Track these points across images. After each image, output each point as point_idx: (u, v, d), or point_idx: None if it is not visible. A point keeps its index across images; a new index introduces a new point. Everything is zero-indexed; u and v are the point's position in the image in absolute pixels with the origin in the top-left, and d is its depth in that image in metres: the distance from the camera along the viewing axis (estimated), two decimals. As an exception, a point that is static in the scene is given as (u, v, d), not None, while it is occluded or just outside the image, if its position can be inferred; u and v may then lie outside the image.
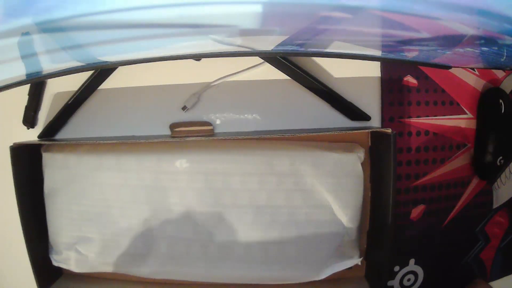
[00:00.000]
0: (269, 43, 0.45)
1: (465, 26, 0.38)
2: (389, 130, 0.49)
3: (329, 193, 0.53)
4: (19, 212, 0.52)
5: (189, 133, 0.57)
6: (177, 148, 0.54)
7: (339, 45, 0.46)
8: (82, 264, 0.56)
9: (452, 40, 0.42)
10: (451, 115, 0.59)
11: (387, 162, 0.50)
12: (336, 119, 0.57)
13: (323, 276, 0.54)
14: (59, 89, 0.58)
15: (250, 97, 0.57)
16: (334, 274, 0.54)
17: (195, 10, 0.36)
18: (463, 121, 0.59)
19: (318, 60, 0.57)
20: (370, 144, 0.56)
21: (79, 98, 0.57)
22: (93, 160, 0.54)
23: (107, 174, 0.54)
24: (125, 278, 0.57)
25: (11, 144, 0.51)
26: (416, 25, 0.39)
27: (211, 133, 0.57)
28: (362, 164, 0.54)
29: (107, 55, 0.46)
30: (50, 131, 0.58)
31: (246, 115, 0.58)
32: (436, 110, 0.59)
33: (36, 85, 0.57)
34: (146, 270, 0.55)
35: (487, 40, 0.41)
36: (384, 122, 0.58)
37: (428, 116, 0.59)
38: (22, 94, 0.57)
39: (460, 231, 0.61)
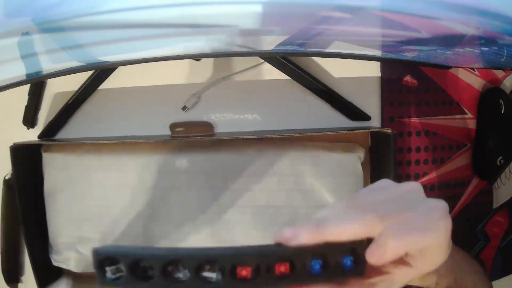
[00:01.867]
0: (269, 43, 0.45)
1: (465, 26, 0.38)
2: (389, 130, 0.49)
3: (329, 193, 0.53)
4: (19, 212, 0.52)
5: (189, 133, 0.57)
6: (177, 148, 0.54)
7: (339, 45, 0.46)
8: (82, 264, 0.56)
9: (452, 40, 0.42)
10: (451, 115, 0.59)
11: (387, 162, 0.50)
12: (336, 119, 0.57)
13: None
14: (59, 89, 0.58)
15: (250, 97, 0.57)
16: (334, 274, 0.54)
17: (195, 10, 0.36)
18: (463, 121, 0.59)
19: (318, 60, 0.57)
20: (370, 144, 0.56)
21: (79, 98, 0.57)
22: (93, 160, 0.54)
23: (107, 174, 0.54)
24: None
25: (11, 144, 0.51)
26: (416, 25, 0.39)
27: (211, 133, 0.57)
28: (362, 164, 0.54)
29: (107, 55, 0.46)
30: (50, 131, 0.58)
31: (246, 115, 0.58)
32: (436, 110, 0.59)
33: (36, 85, 0.57)
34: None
35: (487, 40, 0.41)
36: (384, 122, 0.58)
37: (428, 116, 0.58)
38: (22, 94, 0.57)
39: (460, 231, 0.61)
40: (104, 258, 0.24)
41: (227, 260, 0.24)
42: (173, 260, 0.24)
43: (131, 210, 0.54)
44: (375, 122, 0.58)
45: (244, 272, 0.24)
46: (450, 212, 0.26)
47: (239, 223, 0.53)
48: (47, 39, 0.39)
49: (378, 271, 0.27)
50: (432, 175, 0.59)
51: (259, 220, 0.53)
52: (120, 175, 0.54)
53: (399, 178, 0.58)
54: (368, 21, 0.40)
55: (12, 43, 0.38)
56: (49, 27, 0.37)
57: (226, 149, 0.54)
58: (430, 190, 0.59)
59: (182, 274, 0.24)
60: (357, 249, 0.25)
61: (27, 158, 0.54)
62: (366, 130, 0.55)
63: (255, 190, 0.53)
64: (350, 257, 0.25)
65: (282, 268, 0.24)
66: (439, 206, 0.25)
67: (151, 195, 0.54)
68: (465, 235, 0.62)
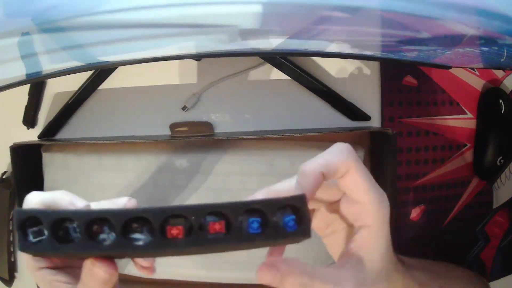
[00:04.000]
0: (269, 43, 0.45)
1: (465, 26, 0.38)
2: (389, 130, 0.49)
3: (329, 193, 0.53)
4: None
5: (189, 133, 0.57)
6: (177, 148, 0.54)
7: (339, 45, 0.47)
8: (82, 264, 0.56)
9: (452, 40, 0.42)
10: (451, 115, 0.59)
11: (387, 162, 0.50)
12: (336, 119, 0.57)
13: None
14: (59, 89, 0.58)
15: (250, 97, 0.57)
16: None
17: (195, 10, 0.36)
18: (463, 121, 0.59)
19: (318, 60, 0.57)
20: (370, 144, 0.56)
21: (79, 98, 0.57)
22: (93, 160, 0.54)
23: (107, 174, 0.54)
24: (125, 278, 0.57)
25: (11, 144, 0.51)
26: (416, 25, 0.39)
27: (211, 133, 0.57)
28: (362, 164, 0.54)
29: (107, 55, 0.46)
30: (50, 131, 0.58)
31: (246, 115, 0.58)
32: (436, 110, 0.59)
33: (36, 85, 0.57)
34: (146, 270, 0.55)
35: (487, 40, 0.41)
36: (384, 122, 0.58)
37: (428, 116, 0.59)
38: (22, 94, 0.57)
39: (460, 231, 0.61)
40: (25, 219, 0.23)
41: (155, 217, 0.22)
42: (96, 218, 0.22)
43: (131, 210, 0.54)
44: (375, 122, 0.58)
45: (175, 231, 0.22)
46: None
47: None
48: (47, 39, 0.39)
49: (343, 254, 0.27)
50: (432, 175, 0.59)
51: (259, 220, 0.53)
52: (120, 175, 0.54)
53: (399, 178, 0.58)
54: (368, 21, 0.40)
55: (12, 43, 0.38)
56: (49, 27, 0.37)
57: (226, 149, 0.54)
58: (430, 190, 0.59)
59: (108, 236, 0.22)
60: (298, 207, 0.24)
61: (27, 158, 0.54)
62: (366, 130, 0.55)
63: (255, 190, 0.53)
64: (292, 216, 0.23)
65: (217, 226, 0.23)
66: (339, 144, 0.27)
67: (150, 195, 0.54)
68: (465, 235, 0.62)
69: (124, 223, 0.22)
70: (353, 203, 0.27)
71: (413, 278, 0.30)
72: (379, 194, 0.27)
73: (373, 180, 0.27)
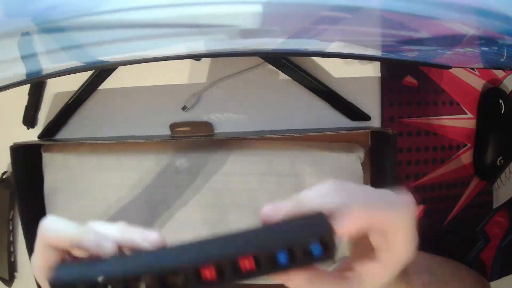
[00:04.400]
0: (269, 43, 0.46)
1: (465, 26, 0.38)
2: (389, 130, 0.49)
3: (329, 193, 0.53)
4: (19, 213, 0.52)
5: (189, 133, 0.57)
6: (177, 148, 0.54)
7: (339, 45, 0.47)
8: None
9: (452, 40, 0.42)
10: (451, 115, 0.59)
11: (387, 162, 0.50)
12: (336, 119, 0.57)
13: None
14: (59, 89, 0.58)
15: (250, 97, 0.57)
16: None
17: (195, 10, 0.36)
18: (463, 121, 0.59)
19: (318, 60, 0.57)
20: (370, 144, 0.56)
21: (79, 98, 0.57)
22: (93, 160, 0.54)
23: (107, 174, 0.54)
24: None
25: (11, 144, 0.51)
26: (416, 25, 0.39)
27: (211, 133, 0.57)
28: (362, 164, 0.54)
29: (107, 55, 0.46)
30: (50, 131, 0.58)
31: (246, 115, 0.58)
32: (436, 110, 0.59)
33: (36, 85, 0.57)
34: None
35: (487, 40, 0.41)
36: (384, 122, 0.58)
37: (428, 116, 0.59)
38: (22, 94, 0.57)
39: (460, 231, 0.61)
40: (62, 286, 0.24)
41: (188, 268, 0.23)
42: (131, 279, 0.23)
43: (131, 210, 0.54)
44: (375, 122, 0.58)
45: (209, 274, 0.23)
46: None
47: (239, 223, 0.53)
48: (47, 39, 0.39)
49: (346, 268, 0.27)
50: (432, 175, 0.59)
51: (260, 220, 0.53)
52: (120, 175, 0.54)
53: (399, 178, 0.58)
54: (368, 21, 0.40)
55: (12, 43, 0.38)
56: (49, 27, 0.37)
57: (226, 149, 0.54)
58: (430, 190, 0.59)
59: None
60: (324, 235, 0.24)
61: (27, 158, 0.54)
62: (366, 130, 0.55)
63: (255, 190, 0.53)
64: (318, 245, 0.24)
65: (247, 264, 0.24)
66: (407, 197, 0.27)
67: (151, 195, 0.54)
68: (465, 235, 0.62)
69: (159, 279, 0.23)
70: (384, 239, 0.26)
71: (410, 285, 0.31)
72: (411, 245, 0.27)
73: (414, 232, 0.27)
